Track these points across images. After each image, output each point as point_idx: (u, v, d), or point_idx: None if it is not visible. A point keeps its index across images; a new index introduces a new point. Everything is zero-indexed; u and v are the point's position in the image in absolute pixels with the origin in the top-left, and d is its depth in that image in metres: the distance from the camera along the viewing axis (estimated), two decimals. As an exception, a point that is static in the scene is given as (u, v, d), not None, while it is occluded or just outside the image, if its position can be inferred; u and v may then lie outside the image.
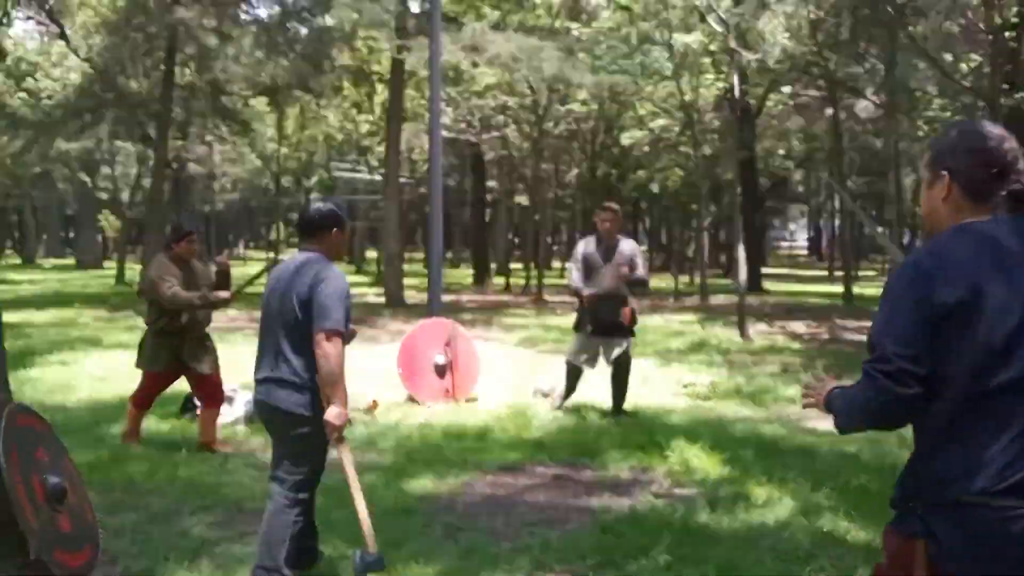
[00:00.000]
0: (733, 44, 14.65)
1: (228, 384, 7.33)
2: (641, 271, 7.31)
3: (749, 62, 16.51)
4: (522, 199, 37.71)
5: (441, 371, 8.17)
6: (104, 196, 34.17)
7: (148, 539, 4.42)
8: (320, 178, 35.78)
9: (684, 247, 34.54)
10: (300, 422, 3.65)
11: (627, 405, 7.56)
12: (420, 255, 51.58)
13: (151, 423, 6.77)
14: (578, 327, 7.58)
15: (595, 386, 8.36)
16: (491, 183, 34.66)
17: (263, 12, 22.91)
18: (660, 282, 30.47)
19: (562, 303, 21.19)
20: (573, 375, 7.67)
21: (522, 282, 27.37)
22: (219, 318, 15.59)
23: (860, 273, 34.12)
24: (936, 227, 2.17)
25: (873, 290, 27.21)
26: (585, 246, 7.52)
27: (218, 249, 39.21)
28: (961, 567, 1.96)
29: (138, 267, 26.70)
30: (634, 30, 20.92)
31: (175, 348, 6.05)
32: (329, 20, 16.55)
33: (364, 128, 31.43)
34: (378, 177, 35.25)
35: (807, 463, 6.03)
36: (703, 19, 20.13)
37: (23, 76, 25.72)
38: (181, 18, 18.21)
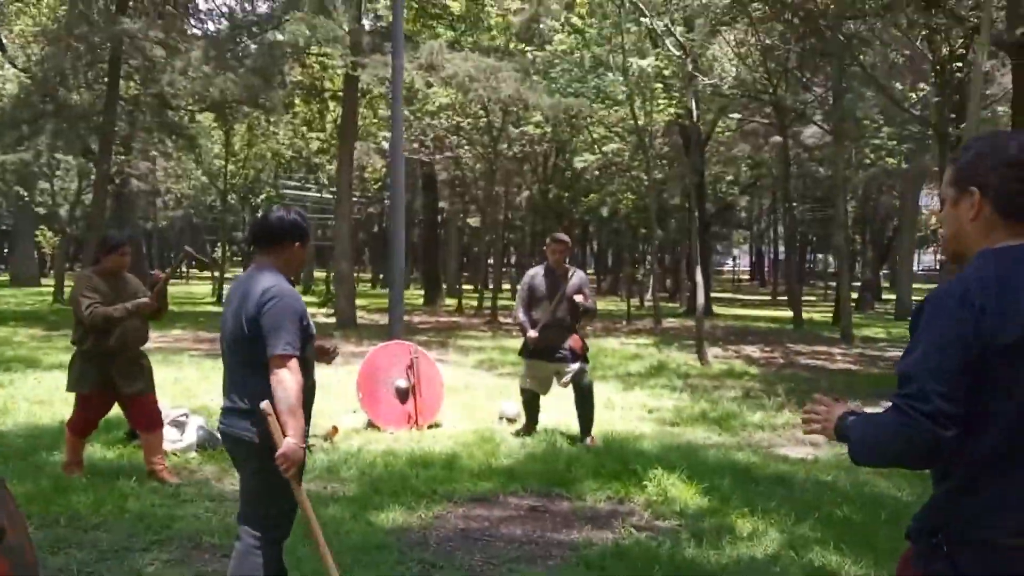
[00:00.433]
0: (691, 68, 14.68)
1: (177, 408, 6.96)
2: (589, 301, 7.30)
3: (705, 87, 16.61)
4: (473, 220, 37.58)
5: (403, 395, 7.87)
6: (42, 211, 33.02)
7: (96, 581, 4.04)
8: (268, 195, 35.10)
9: (634, 271, 34.63)
10: (259, 453, 3.28)
11: (595, 431, 7.37)
12: (367, 275, 51.09)
13: (95, 450, 6.34)
14: (523, 352, 7.56)
15: (561, 411, 8.17)
16: (441, 204, 34.43)
17: (211, 26, 22.37)
18: (610, 305, 30.53)
19: (516, 326, 21.02)
20: (529, 402, 7.60)
21: (473, 303, 27.11)
22: (163, 338, 15.15)
23: (803, 298, 34.63)
24: (962, 251, 2.00)
25: (818, 315, 27.62)
26: (533, 276, 7.49)
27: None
28: None
29: (76, 285, 25.84)
30: (588, 54, 21.01)
31: (104, 368, 5.66)
32: (281, 36, 16.19)
33: (315, 146, 30.96)
34: (327, 195, 34.83)
35: (785, 492, 5.90)
36: (655, 45, 20.32)
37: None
38: (126, 29, 17.69)
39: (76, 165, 26.93)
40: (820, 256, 51.79)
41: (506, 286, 37.09)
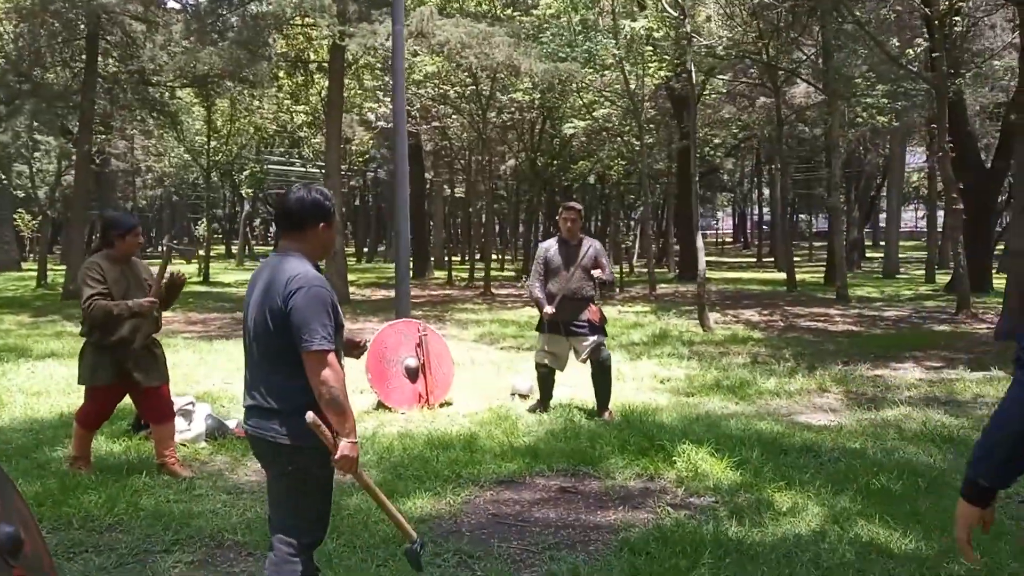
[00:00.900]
0: (688, 28, 14.38)
1: (182, 397, 6.70)
2: (606, 273, 7.11)
3: (700, 47, 16.33)
4: (459, 190, 37.18)
5: (413, 375, 7.66)
6: (20, 194, 32.38)
7: (118, 586, 3.84)
8: (252, 171, 34.52)
9: (623, 237, 34.47)
10: (288, 455, 3.05)
11: (611, 405, 7.21)
12: (351, 250, 50.66)
13: (100, 444, 6.08)
14: (540, 327, 7.33)
15: (572, 385, 8.00)
16: (427, 174, 34.02)
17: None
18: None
19: (510, 296, 20.79)
20: (544, 378, 7.39)
21: (462, 276, 26.79)
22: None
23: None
24: None
25: (808, 276, 27.54)
26: (546, 249, 7.25)
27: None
28: None
29: (62, 268, 25.35)
30: (576, 17, 20.65)
31: (119, 358, 5.38)
32: (265, 6, 15.70)
33: (300, 119, 30.43)
34: (313, 169, 34.31)
35: (815, 462, 5.75)
36: (642, 8, 19.96)
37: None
38: (103, 3, 17.15)
39: (56, 146, 26.32)
40: (804, 216, 51.72)
41: (494, 256, 36.81)
